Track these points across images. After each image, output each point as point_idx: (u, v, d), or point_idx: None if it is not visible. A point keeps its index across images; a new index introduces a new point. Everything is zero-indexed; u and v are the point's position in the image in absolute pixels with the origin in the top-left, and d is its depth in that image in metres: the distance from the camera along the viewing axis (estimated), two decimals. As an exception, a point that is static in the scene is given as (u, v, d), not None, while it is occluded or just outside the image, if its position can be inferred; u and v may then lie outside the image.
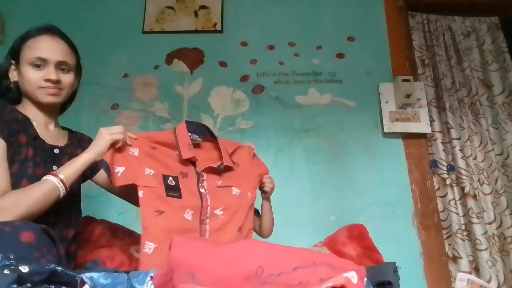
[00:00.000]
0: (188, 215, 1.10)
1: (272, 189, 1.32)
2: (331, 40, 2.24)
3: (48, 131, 1.15)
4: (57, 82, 1.11)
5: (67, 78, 1.14)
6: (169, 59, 2.22)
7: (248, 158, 1.30)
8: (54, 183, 0.97)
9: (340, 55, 2.22)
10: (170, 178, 1.12)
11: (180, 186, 1.13)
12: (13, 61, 1.13)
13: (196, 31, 2.28)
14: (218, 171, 1.21)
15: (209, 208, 1.14)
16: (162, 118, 2.11)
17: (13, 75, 1.14)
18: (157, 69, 2.20)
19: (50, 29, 1.15)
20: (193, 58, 2.23)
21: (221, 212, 1.16)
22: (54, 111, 1.19)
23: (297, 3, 2.33)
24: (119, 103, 2.13)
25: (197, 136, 1.24)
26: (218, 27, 2.27)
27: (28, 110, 1.13)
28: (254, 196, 1.26)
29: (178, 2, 2.34)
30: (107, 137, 1.07)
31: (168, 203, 1.08)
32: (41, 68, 1.10)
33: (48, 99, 1.11)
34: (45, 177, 0.98)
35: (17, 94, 1.16)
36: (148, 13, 2.31)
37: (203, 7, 2.32)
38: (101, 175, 1.24)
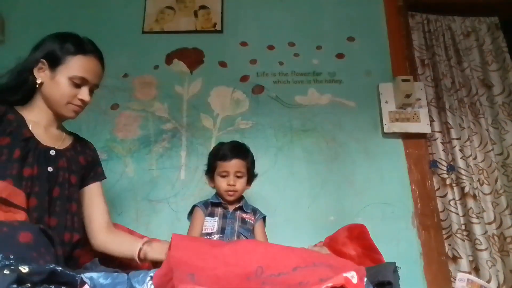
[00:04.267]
0: None
1: None
2: (331, 40, 2.24)
3: (47, 132, 1.14)
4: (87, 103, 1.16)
5: (91, 99, 1.18)
6: (169, 59, 2.22)
7: None
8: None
9: (340, 55, 2.22)
10: None
11: None
12: (44, 61, 1.10)
13: (196, 31, 2.28)
14: None
15: None
16: (162, 118, 2.10)
17: (41, 76, 1.11)
18: (157, 69, 2.20)
19: (97, 50, 1.17)
20: (193, 58, 2.22)
21: None
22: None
23: (297, 3, 2.33)
24: (119, 103, 2.13)
25: None
26: (218, 27, 2.27)
27: (35, 110, 1.12)
28: None
29: (178, 2, 2.34)
30: None
31: None
32: (78, 85, 1.12)
33: (72, 114, 1.16)
34: (137, 242, 1.14)
35: (32, 93, 1.13)
36: (148, 13, 2.30)
37: (203, 7, 2.32)
38: (88, 190, 1.24)
